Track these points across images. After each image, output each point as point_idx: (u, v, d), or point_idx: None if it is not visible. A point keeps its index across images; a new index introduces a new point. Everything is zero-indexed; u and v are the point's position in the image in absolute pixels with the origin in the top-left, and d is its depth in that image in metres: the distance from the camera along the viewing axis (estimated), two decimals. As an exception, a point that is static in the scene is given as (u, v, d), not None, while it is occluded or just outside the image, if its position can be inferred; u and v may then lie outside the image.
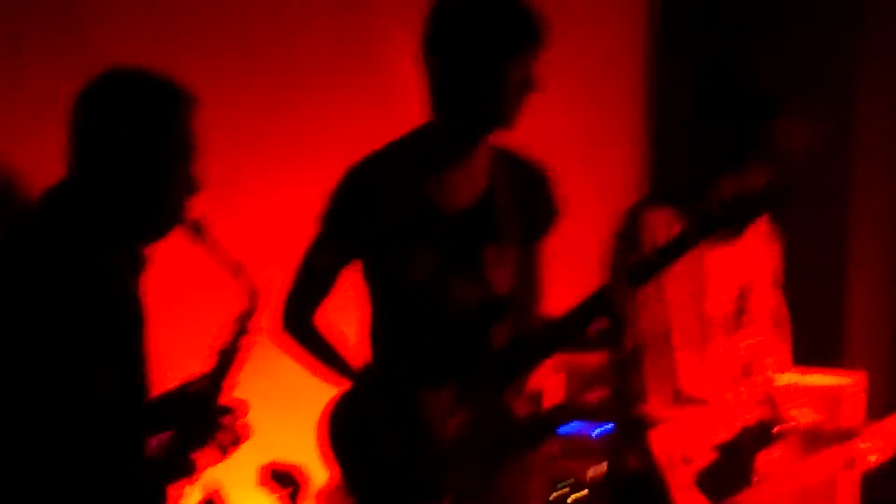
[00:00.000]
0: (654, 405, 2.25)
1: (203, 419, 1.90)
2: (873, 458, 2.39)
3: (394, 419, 2.06)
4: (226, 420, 1.92)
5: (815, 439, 2.41)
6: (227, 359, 1.92)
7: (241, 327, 1.92)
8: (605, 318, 1.96)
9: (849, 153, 3.57)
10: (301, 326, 2.13)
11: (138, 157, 1.83)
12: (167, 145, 1.84)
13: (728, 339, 2.32)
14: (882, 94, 3.53)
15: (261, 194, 2.86)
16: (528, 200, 2.14)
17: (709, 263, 2.27)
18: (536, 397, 2.50)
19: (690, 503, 2.26)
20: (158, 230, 1.87)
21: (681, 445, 2.27)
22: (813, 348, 2.85)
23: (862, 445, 2.38)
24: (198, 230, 1.87)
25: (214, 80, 2.45)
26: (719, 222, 2.07)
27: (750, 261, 2.34)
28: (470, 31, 2.00)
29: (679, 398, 2.29)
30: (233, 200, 2.65)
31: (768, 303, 2.38)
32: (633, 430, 2.20)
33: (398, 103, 2.60)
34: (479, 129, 2.06)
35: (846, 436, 2.40)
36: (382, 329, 2.13)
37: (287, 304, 2.14)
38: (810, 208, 3.09)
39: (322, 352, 2.14)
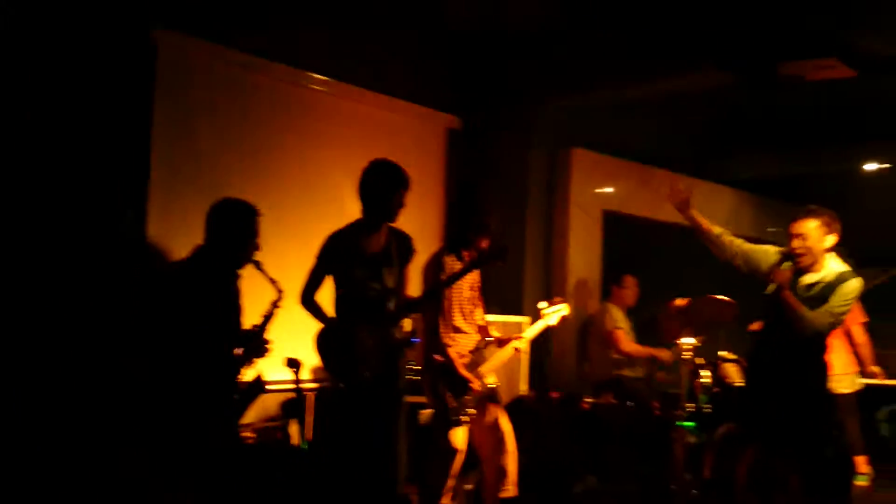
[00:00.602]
0: (444, 335, 4.56)
1: (259, 342, 4.08)
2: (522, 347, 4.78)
3: (345, 340, 4.18)
4: (266, 344, 4.12)
5: (502, 341, 4.84)
6: (267, 318, 4.09)
7: (273, 305, 4.11)
8: (431, 300, 4.30)
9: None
10: (307, 302, 4.29)
11: (238, 239, 3.93)
12: (251, 235, 3.99)
13: (473, 309, 4.76)
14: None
15: (286, 250, 5.21)
16: (402, 248, 4.37)
17: (469, 277, 4.66)
18: (409, 332, 4.63)
19: (466, 376, 4.57)
20: (243, 265, 4.07)
21: (459, 352, 4.65)
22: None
23: (517, 344, 4.80)
24: (258, 265, 4.10)
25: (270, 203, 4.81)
26: (480, 262, 4.45)
27: (476, 276, 4.74)
28: (379, 181, 4.23)
29: (457, 331, 4.64)
30: (277, 253, 4.95)
31: (478, 292, 4.79)
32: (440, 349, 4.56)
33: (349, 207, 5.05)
34: (383, 221, 4.30)
35: (511, 339, 4.84)
36: (340, 304, 4.32)
37: (302, 292, 4.31)
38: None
39: (316, 313, 4.31)
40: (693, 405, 5.52)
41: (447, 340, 4.61)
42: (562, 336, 7.08)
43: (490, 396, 4.81)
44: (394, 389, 4.27)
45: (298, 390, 3.94)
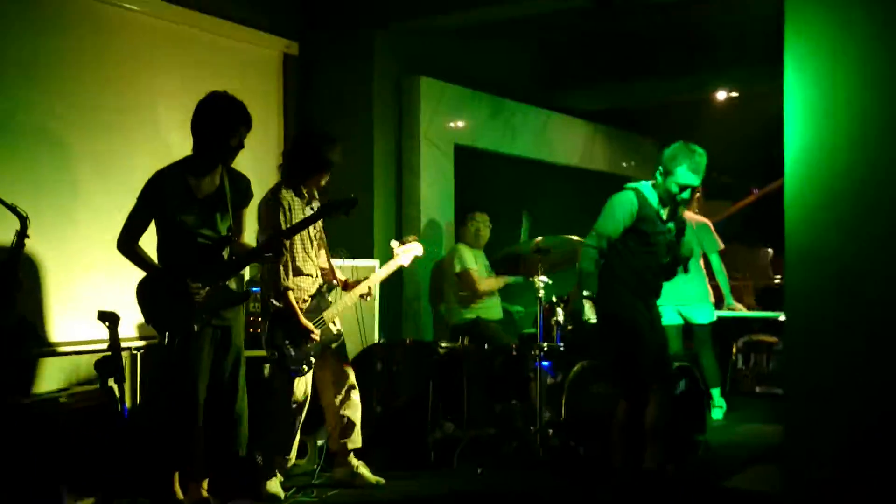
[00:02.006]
0: (284, 278, 4.52)
1: (11, 280, 3.89)
2: (368, 290, 4.90)
3: (172, 292, 4.04)
4: (18, 280, 3.94)
5: (349, 286, 4.96)
6: (14, 252, 3.95)
7: (19, 236, 3.96)
8: (272, 251, 4.19)
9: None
10: (127, 248, 4.09)
11: None
12: None
13: (317, 250, 4.79)
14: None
15: (100, 189, 5.06)
16: (238, 191, 4.25)
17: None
18: (248, 283, 4.61)
19: (305, 325, 4.61)
20: None
21: (300, 297, 4.62)
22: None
23: (365, 287, 4.90)
24: None
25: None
26: (322, 213, 4.35)
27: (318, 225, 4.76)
28: (216, 117, 4.06)
29: (298, 273, 4.68)
30: (90, 192, 4.95)
31: (322, 232, 4.82)
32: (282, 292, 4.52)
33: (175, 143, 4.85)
34: (217, 161, 4.16)
35: (359, 283, 4.93)
36: (165, 251, 4.16)
37: (120, 237, 4.09)
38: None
39: (139, 261, 4.13)
40: (549, 345, 5.63)
41: (287, 284, 4.55)
42: (416, 279, 7.09)
43: (334, 345, 4.79)
44: (229, 344, 4.21)
45: (115, 348, 3.74)
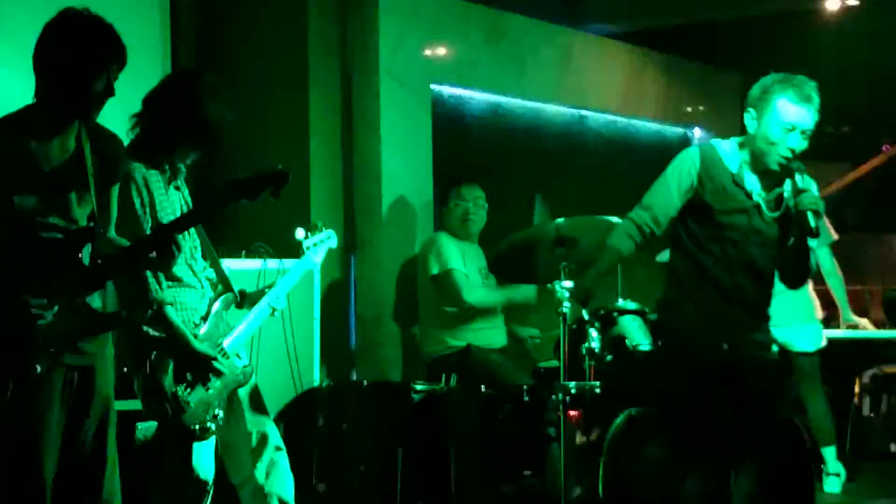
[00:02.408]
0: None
1: None
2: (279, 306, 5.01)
3: (4, 316, 3.91)
4: None
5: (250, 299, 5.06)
6: None
7: None
8: (160, 249, 4.14)
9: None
10: None
11: None
12: None
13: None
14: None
15: None
16: (105, 159, 4.15)
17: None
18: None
19: (203, 354, 4.65)
20: None
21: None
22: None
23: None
24: None
25: None
26: (244, 191, 4.26)
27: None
28: (70, 48, 3.96)
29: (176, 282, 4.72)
30: None
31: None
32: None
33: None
34: (73, 115, 4.05)
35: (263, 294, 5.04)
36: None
37: None
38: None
39: None
40: (579, 385, 5.70)
41: (162, 298, 4.63)
42: (375, 289, 7.17)
43: (242, 388, 4.91)
44: (91, 394, 4.18)
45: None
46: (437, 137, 7.59)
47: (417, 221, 7.49)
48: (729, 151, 4.78)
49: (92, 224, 4.15)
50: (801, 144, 4.65)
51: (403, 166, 7.44)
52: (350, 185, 7.29)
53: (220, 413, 4.76)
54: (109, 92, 4.08)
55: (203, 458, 4.78)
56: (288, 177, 4.32)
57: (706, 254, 4.75)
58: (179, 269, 4.77)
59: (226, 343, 4.83)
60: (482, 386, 6.17)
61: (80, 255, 4.14)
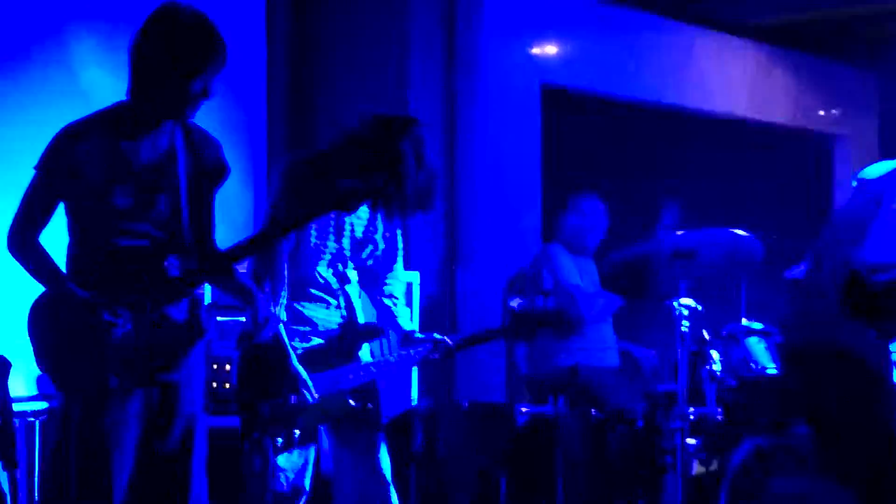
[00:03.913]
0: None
1: None
2: None
3: (82, 325, 3.88)
4: None
5: None
6: None
7: None
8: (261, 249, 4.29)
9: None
10: (22, 247, 4.02)
11: None
12: None
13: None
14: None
15: None
16: (201, 160, 4.13)
17: None
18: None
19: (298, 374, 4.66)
20: None
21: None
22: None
23: None
24: None
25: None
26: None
27: None
28: (167, 42, 3.99)
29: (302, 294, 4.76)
30: None
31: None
32: None
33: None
34: (165, 114, 4.08)
35: None
36: (79, 256, 4.03)
37: (11, 232, 4.00)
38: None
39: (37, 264, 4.07)
40: (698, 410, 5.73)
41: (277, 311, 4.66)
42: (477, 301, 7.21)
43: (356, 410, 4.84)
44: (173, 413, 4.20)
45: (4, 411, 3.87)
46: (546, 142, 7.65)
47: (525, 230, 7.53)
48: None
49: (182, 226, 4.17)
50: None
51: (510, 171, 7.46)
52: (452, 193, 7.34)
53: (297, 434, 4.76)
54: (207, 93, 4.10)
55: (286, 470, 4.79)
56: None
57: None
58: (310, 273, 4.81)
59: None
60: (592, 409, 6.15)
61: (163, 264, 4.15)
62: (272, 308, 4.55)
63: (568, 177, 7.41)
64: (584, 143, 7.87)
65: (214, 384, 5.65)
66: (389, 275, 5.03)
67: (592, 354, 6.83)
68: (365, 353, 4.91)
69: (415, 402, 6.30)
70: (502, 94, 7.46)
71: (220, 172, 4.29)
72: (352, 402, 4.80)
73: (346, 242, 4.87)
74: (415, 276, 6.48)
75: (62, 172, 4.10)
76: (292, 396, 4.73)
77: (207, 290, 4.91)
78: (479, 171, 7.42)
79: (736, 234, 5.73)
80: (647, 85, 8.29)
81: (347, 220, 4.81)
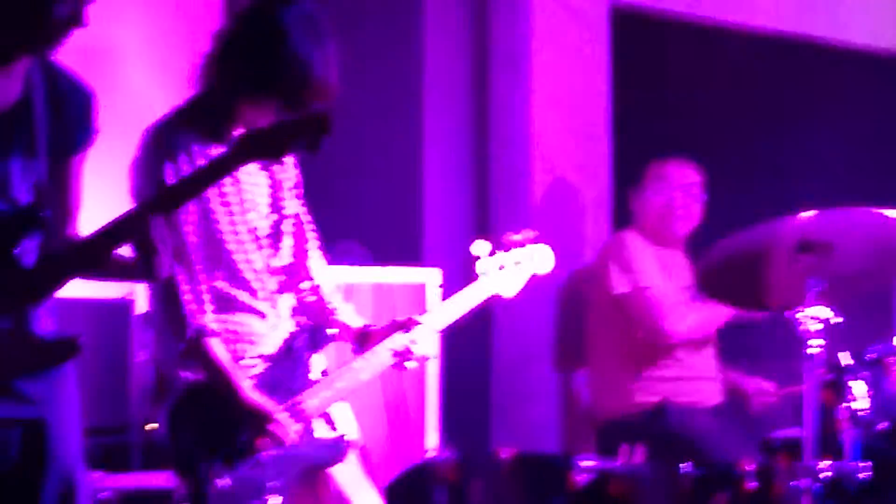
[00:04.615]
0: (204, 318, 4.65)
1: None
2: (419, 352, 5.00)
3: None
4: None
5: (367, 338, 5.11)
6: None
7: None
8: (131, 243, 4.06)
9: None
10: None
11: None
12: None
13: (266, 251, 4.96)
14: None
15: None
16: (64, 111, 4.13)
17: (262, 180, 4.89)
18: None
19: (255, 406, 4.68)
20: None
21: (235, 352, 4.76)
22: (395, 247, 6.12)
23: (405, 340, 4.97)
24: None
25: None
26: (266, 146, 4.30)
27: (275, 174, 4.97)
28: None
29: (232, 307, 4.84)
30: None
31: (299, 216, 5.03)
32: (193, 343, 4.65)
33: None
34: (18, 48, 4.00)
35: (399, 329, 5.05)
36: None
37: None
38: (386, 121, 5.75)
39: None
40: (835, 465, 5.46)
41: (205, 322, 4.76)
42: (519, 314, 7.10)
43: (334, 457, 4.95)
44: (40, 462, 4.14)
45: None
46: (617, 88, 7.67)
47: (587, 216, 7.54)
48: None
49: (37, 203, 4.14)
50: None
51: (566, 129, 7.43)
52: (484, 157, 7.43)
53: (278, 503, 4.80)
54: (77, 19, 4.06)
55: None
56: (328, 121, 4.29)
57: None
58: (237, 282, 4.92)
59: (306, 399, 4.89)
60: (685, 464, 5.88)
61: (16, 250, 4.11)
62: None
63: (647, 136, 7.37)
64: (670, 87, 7.85)
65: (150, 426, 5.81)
66: None
67: (685, 387, 6.80)
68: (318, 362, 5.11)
69: (434, 453, 6.15)
70: (556, 18, 7.49)
71: (87, 128, 4.35)
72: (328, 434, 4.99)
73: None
74: (434, 275, 6.55)
75: None
76: (258, 444, 4.80)
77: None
78: (521, 127, 7.45)
79: (887, 216, 5.57)
80: (758, 6, 8.21)
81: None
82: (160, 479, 5.74)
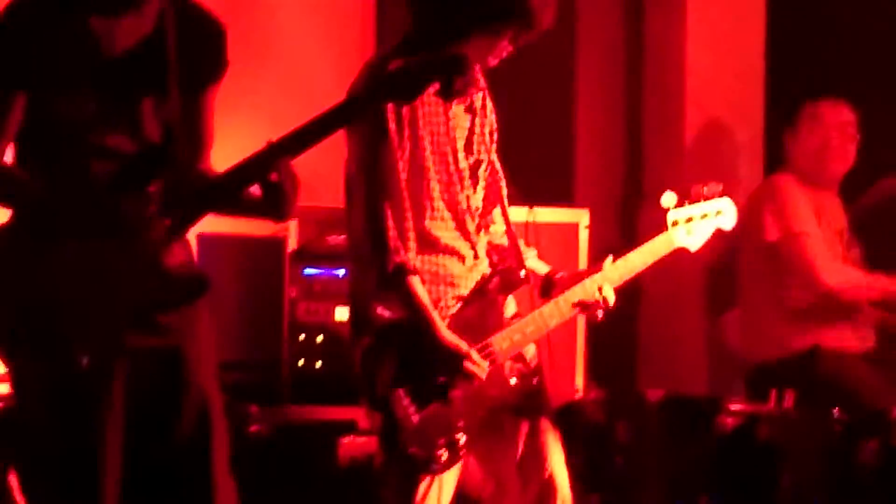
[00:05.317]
0: (408, 255, 4.65)
1: None
2: (602, 299, 4.90)
3: (33, 276, 3.90)
4: None
5: (554, 284, 5.06)
6: None
7: None
8: (261, 182, 4.04)
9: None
10: None
11: None
12: None
13: (467, 192, 4.91)
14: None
15: None
16: (197, 50, 4.09)
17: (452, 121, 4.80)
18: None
19: (450, 345, 4.68)
20: None
21: (435, 293, 4.75)
22: (545, 186, 6.30)
23: (594, 288, 4.92)
24: None
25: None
26: (395, 83, 4.23)
27: (476, 118, 4.91)
28: None
29: (433, 246, 4.80)
30: None
31: (491, 157, 5.00)
32: (395, 279, 4.63)
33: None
34: None
35: (586, 278, 4.96)
36: (27, 173, 4.00)
37: None
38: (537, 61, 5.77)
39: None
40: None
41: (406, 259, 4.72)
42: (669, 270, 6.95)
43: (522, 397, 4.93)
44: (179, 391, 4.20)
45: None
46: (773, 23, 7.58)
47: (740, 158, 7.49)
48: None
49: (169, 141, 4.16)
50: None
51: (719, 68, 7.44)
52: (637, 97, 7.44)
53: (464, 437, 4.78)
54: None
55: (433, 497, 4.83)
56: (463, 62, 4.22)
57: None
58: (436, 220, 4.89)
59: (497, 342, 4.86)
60: (836, 410, 6.03)
61: (145, 187, 4.09)
62: None
63: (803, 75, 7.31)
64: (826, 24, 7.71)
65: (301, 362, 5.84)
66: None
67: (838, 333, 6.72)
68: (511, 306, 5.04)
69: (579, 395, 6.21)
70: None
71: (218, 67, 4.33)
72: (513, 380, 4.89)
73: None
74: (583, 216, 6.49)
75: (14, 59, 4.06)
76: (450, 382, 4.81)
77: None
78: (674, 67, 7.47)
79: None
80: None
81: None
82: (311, 413, 5.89)
